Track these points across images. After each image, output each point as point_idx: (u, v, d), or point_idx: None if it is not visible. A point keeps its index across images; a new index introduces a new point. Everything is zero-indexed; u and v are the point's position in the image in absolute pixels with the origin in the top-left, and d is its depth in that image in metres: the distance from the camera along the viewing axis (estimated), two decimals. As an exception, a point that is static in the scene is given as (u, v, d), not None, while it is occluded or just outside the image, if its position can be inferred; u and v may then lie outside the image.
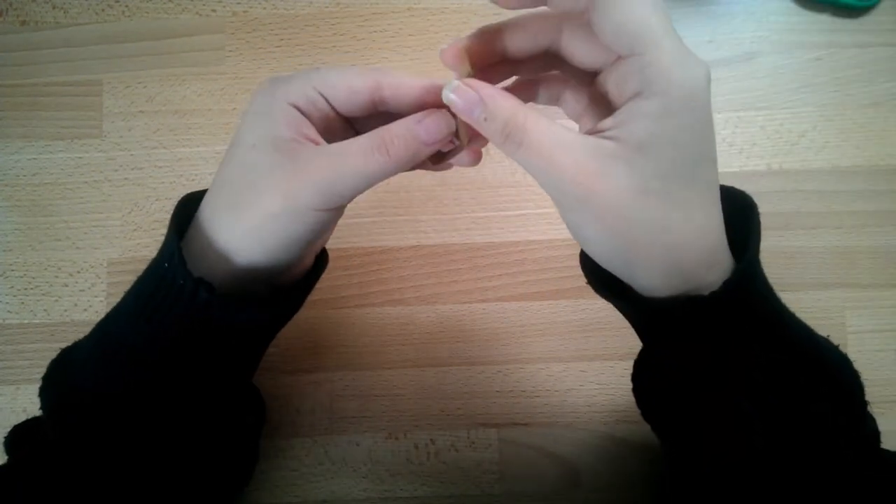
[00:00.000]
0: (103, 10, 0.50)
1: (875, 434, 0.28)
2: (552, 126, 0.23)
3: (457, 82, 0.24)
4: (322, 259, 0.33)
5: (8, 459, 0.31)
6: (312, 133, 0.26)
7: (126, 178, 0.48)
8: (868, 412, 0.29)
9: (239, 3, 0.49)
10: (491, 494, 0.44)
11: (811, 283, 0.46)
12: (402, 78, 0.26)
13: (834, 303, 0.46)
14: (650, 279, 0.25)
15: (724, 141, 0.47)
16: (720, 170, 0.49)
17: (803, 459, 0.25)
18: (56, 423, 0.29)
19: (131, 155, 0.48)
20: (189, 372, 0.29)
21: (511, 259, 0.47)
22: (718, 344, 0.26)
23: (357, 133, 0.29)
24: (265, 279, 0.28)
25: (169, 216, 0.28)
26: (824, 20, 0.48)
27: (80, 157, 0.48)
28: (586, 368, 0.45)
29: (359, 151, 0.25)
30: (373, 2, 0.49)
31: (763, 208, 0.46)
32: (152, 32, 0.49)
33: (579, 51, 0.24)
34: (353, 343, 0.46)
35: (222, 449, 0.33)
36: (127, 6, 0.50)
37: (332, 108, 0.26)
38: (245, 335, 0.30)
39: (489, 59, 0.27)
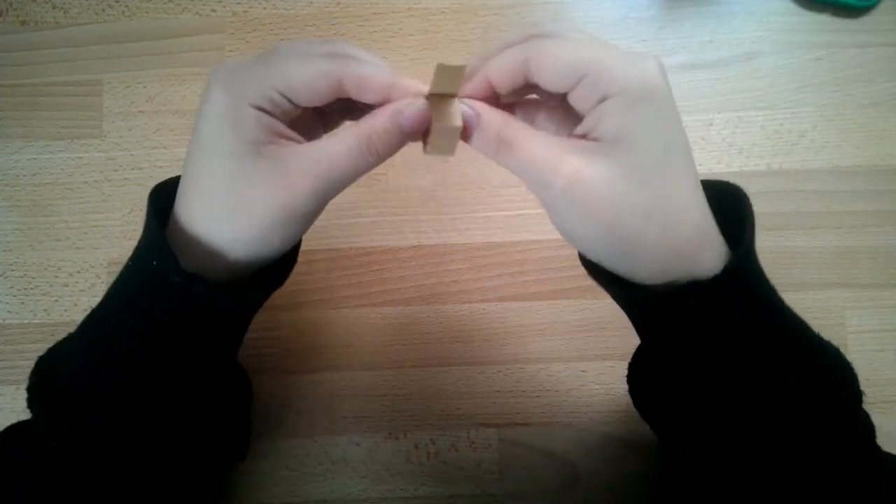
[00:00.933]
0: (103, 10, 0.50)
1: (870, 434, 0.29)
2: (537, 131, 0.26)
3: (454, 101, 0.26)
4: None
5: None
6: (285, 130, 0.26)
7: (126, 178, 0.48)
8: (864, 412, 0.29)
9: (239, 3, 0.50)
10: (491, 494, 0.44)
11: (811, 283, 0.46)
12: (365, 72, 0.26)
13: (834, 303, 0.46)
14: (650, 264, 0.26)
15: (725, 141, 0.47)
16: (721, 170, 0.49)
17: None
18: (54, 434, 0.29)
19: (131, 155, 0.48)
20: (184, 360, 0.29)
21: (511, 259, 0.47)
22: (717, 334, 0.26)
23: (319, 116, 0.30)
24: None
25: None
26: (824, 20, 0.48)
27: (80, 157, 0.48)
28: (586, 368, 0.45)
29: (348, 153, 0.26)
30: (373, 2, 0.49)
31: (763, 208, 0.46)
32: (152, 32, 0.49)
33: (544, 81, 0.25)
34: (353, 343, 0.46)
35: (216, 427, 0.33)
36: (127, 6, 0.50)
37: (294, 103, 0.26)
38: (239, 316, 0.31)
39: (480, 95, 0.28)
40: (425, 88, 0.27)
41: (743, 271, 0.26)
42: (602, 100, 0.24)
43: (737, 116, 0.48)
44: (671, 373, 0.29)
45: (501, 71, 0.26)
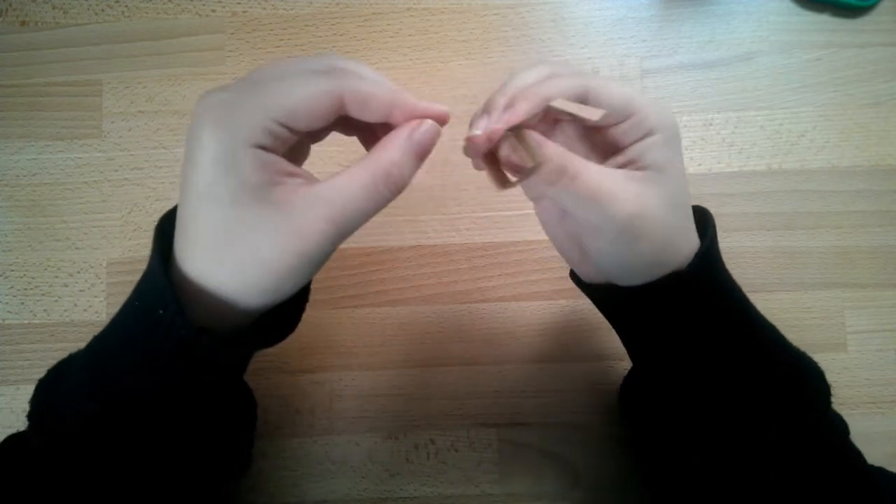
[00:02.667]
0: (103, 10, 0.50)
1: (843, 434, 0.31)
2: (590, 162, 0.27)
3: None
4: None
5: None
6: (286, 165, 0.24)
7: (126, 178, 0.48)
8: (833, 414, 0.31)
9: (239, 3, 0.50)
10: (491, 494, 0.44)
11: (811, 283, 0.46)
12: (367, 88, 0.24)
13: (834, 303, 0.46)
14: (658, 274, 0.28)
15: (724, 141, 0.47)
16: (720, 170, 0.50)
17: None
18: (47, 451, 0.29)
19: (131, 155, 0.48)
20: (185, 392, 0.28)
21: (511, 259, 0.47)
22: (683, 321, 0.29)
23: (309, 136, 0.28)
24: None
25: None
26: (824, 20, 0.48)
27: (80, 157, 0.48)
28: (586, 368, 0.45)
29: (363, 191, 0.24)
30: (373, 2, 0.49)
31: (763, 208, 0.47)
32: (152, 32, 0.49)
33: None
34: (353, 343, 0.46)
35: (216, 447, 0.33)
36: (127, 6, 0.50)
37: (294, 131, 0.24)
38: (247, 360, 0.32)
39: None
40: (423, 104, 0.25)
41: (701, 267, 0.29)
42: (645, 136, 0.28)
43: (736, 116, 0.48)
44: (645, 354, 0.32)
45: (563, 98, 0.28)
